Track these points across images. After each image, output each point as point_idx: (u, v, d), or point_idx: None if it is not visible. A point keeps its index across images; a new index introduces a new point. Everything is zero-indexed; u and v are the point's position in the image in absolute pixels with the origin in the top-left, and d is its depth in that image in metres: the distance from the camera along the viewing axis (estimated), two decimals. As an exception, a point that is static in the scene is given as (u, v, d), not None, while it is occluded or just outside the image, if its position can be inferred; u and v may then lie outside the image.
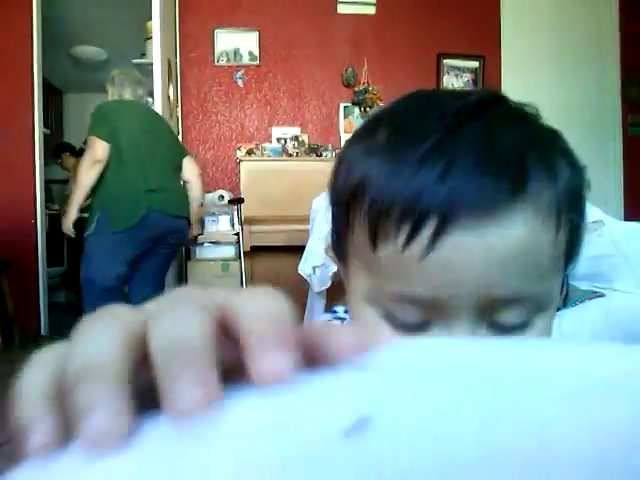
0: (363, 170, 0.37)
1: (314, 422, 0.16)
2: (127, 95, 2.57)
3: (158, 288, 2.54)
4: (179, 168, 2.67)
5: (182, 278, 3.55)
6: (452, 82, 4.26)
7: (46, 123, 4.13)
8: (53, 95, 5.78)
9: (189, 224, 2.68)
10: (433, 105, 0.37)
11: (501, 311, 0.35)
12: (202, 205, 2.98)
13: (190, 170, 2.69)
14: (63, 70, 5.39)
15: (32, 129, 3.68)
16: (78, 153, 4.62)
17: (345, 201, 0.38)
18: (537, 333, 0.36)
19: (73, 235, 2.51)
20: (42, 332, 3.59)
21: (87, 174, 2.33)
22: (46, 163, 3.89)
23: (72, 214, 2.43)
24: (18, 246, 3.27)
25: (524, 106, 0.38)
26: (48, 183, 4.22)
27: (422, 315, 0.36)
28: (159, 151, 2.47)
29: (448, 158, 0.33)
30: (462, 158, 0.33)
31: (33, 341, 3.37)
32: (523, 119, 0.37)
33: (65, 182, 4.89)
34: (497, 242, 0.33)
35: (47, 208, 4.02)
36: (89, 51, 5.26)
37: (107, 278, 2.34)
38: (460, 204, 0.33)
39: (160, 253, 2.56)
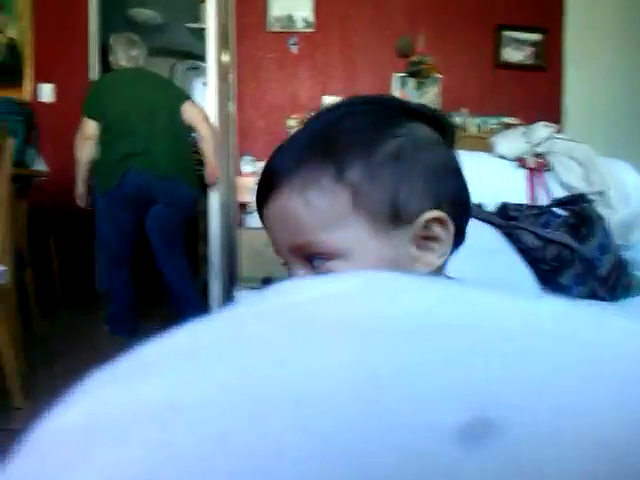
0: None
1: None
2: (122, 61, 2.63)
3: (176, 255, 2.60)
4: (188, 128, 2.66)
5: (233, 246, 3.60)
6: (511, 55, 4.10)
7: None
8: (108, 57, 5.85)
9: (197, 187, 2.72)
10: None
11: (307, 256, 0.46)
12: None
13: (191, 116, 2.62)
14: (119, 32, 5.45)
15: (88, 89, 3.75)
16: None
17: None
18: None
19: (84, 206, 2.62)
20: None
21: (79, 150, 2.51)
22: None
23: (78, 187, 2.57)
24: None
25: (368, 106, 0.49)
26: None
27: (283, 258, 0.49)
28: (153, 115, 2.50)
29: (284, 145, 0.50)
30: (286, 145, 0.50)
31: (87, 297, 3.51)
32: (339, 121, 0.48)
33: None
34: (276, 207, 0.47)
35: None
36: (144, 14, 5.29)
37: (109, 242, 2.53)
38: (270, 179, 0.48)
39: (158, 215, 2.55)
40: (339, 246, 0.44)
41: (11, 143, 1.89)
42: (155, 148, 2.47)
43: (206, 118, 2.70)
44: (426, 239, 0.46)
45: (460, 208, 0.48)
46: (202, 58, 5.39)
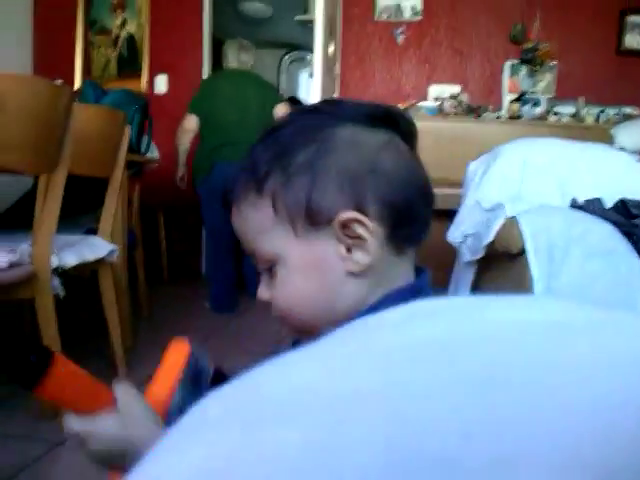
0: None
1: None
2: (232, 64, 2.98)
3: None
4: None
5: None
6: (635, 42, 3.77)
7: (213, 77, 4.35)
8: (220, 49, 6.07)
9: None
10: None
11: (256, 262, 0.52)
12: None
13: (279, 114, 2.87)
14: (230, 25, 5.63)
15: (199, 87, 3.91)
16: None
17: None
18: (279, 280, 0.49)
19: (183, 188, 3.08)
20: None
21: (178, 139, 2.91)
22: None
23: (179, 170, 3.01)
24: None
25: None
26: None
27: None
28: (246, 113, 2.79)
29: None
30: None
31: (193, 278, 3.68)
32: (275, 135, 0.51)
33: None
34: (233, 221, 0.52)
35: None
36: (255, 7, 5.42)
37: (214, 229, 2.82)
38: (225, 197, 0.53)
39: None
40: (271, 252, 0.49)
41: (128, 131, 2.00)
42: (244, 140, 2.66)
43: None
44: (353, 238, 0.47)
45: (398, 207, 0.48)
46: (309, 49, 5.45)
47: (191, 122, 2.83)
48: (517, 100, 3.65)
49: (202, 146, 2.84)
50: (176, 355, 0.56)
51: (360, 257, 0.47)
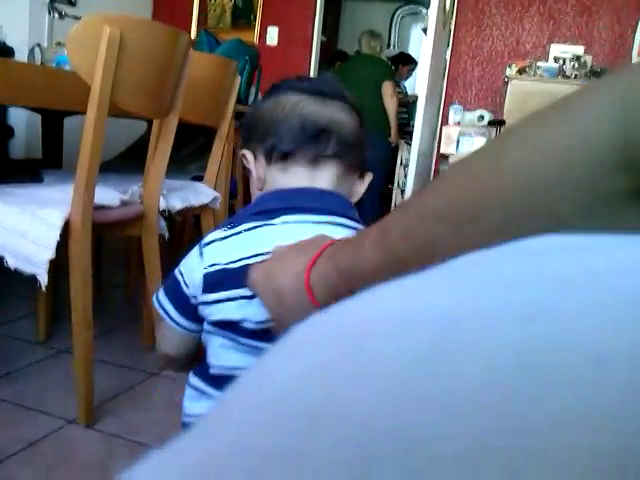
0: None
1: None
2: (365, 50, 3.84)
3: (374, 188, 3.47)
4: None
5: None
6: None
7: (323, 30, 4.32)
8: (332, 2, 5.99)
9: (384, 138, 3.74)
10: None
11: None
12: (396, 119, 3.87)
13: (384, 91, 3.68)
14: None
15: (311, 36, 3.89)
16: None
17: None
18: None
19: None
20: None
21: None
22: (320, 69, 4.12)
23: None
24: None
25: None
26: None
27: None
28: (363, 85, 3.57)
29: None
30: None
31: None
32: None
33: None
34: None
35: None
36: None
37: None
38: None
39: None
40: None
41: (237, 82, 2.04)
42: (364, 109, 3.13)
43: (393, 94, 3.74)
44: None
45: (272, 140, 0.68)
46: (423, 3, 5.25)
47: None
48: (649, 64, 3.33)
49: None
50: None
51: (253, 176, 0.71)
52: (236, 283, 0.58)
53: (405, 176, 3.66)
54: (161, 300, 0.67)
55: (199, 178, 1.95)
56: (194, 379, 0.66)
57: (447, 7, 3.48)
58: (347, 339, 0.18)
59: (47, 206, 1.18)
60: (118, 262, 2.26)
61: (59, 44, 2.14)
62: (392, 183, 4.18)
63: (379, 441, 0.14)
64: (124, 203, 1.33)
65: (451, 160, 3.53)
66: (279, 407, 0.16)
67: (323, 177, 0.68)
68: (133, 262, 2.03)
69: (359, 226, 0.64)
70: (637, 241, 0.19)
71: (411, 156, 3.06)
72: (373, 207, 3.81)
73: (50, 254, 1.11)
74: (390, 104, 3.69)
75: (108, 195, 1.30)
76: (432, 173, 3.76)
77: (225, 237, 0.63)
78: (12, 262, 1.12)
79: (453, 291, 0.18)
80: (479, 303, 0.17)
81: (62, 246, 1.14)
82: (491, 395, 0.14)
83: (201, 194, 1.73)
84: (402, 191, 3.89)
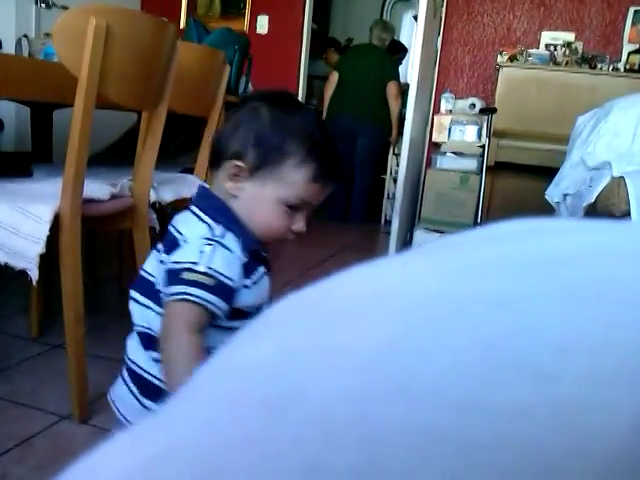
0: None
1: None
2: (374, 40, 3.98)
3: (364, 174, 3.99)
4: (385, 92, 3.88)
5: (421, 185, 3.55)
6: None
7: (314, 18, 4.29)
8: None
9: (386, 132, 3.94)
10: None
11: None
12: (400, 119, 3.81)
13: (389, 92, 3.84)
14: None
15: (302, 24, 3.86)
16: (342, 49, 4.75)
17: None
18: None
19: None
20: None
21: (325, 91, 4.01)
22: (311, 58, 4.09)
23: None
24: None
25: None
26: (311, 79, 4.45)
27: None
28: (368, 77, 3.78)
29: None
30: None
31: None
32: None
33: (326, 79, 5.09)
34: None
35: (307, 103, 4.27)
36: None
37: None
38: None
39: (360, 143, 3.88)
40: None
41: (226, 72, 2.02)
42: (361, 98, 3.78)
43: (398, 95, 3.84)
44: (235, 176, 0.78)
45: (263, 149, 0.75)
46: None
47: (335, 77, 3.91)
48: (638, 52, 3.33)
49: (334, 97, 3.90)
50: None
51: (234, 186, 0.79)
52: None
53: (397, 165, 3.65)
54: (213, 301, 0.71)
55: (189, 170, 1.93)
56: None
57: (438, -6, 3.46)
58: (315, 323, 0.18)
59: (36, 201, 1.17)
60: (112, 256, 2.25)
61: (47, 35, 2.12)
62: (385, 173, 4.18)
63: (339, 429, 0.14)
64: (114, 196, 1.33)
65: (444, 148, 3.52)
66: (240, 395, 0.16)
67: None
68: (126, 255, 2.02)
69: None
70: (611, 226, 0.19)
71: (403, 145, 3.06)
72: (364, 197, 4.08)
73: (40, 248, 1.11)
74: (394, 106, 3.82)
75: (98, 188, 1.29)
76: (424, 162, 3.75)
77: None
78: (2, 257, 1.11)
79: (426, 273, 0.18)
80: (449, 287, 0.17)
81: (53, 240, 1.14)
82: (455, 383, 0.14)
83: (192, 185, 1.73)
84: (394, 180, 3.89)
